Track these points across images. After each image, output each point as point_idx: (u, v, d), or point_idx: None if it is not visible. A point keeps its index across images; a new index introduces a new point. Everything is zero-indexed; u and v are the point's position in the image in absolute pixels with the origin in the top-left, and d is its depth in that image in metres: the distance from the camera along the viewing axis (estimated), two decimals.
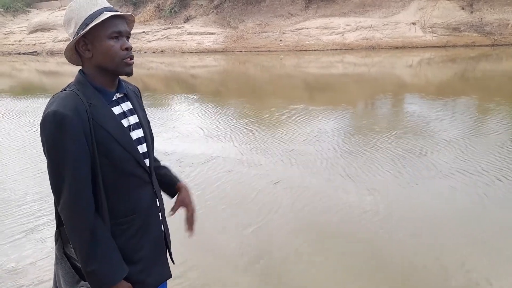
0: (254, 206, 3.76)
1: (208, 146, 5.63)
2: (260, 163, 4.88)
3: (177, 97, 10.01)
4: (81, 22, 1.23)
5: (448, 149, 5.03)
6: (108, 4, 1.28)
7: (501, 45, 17.35)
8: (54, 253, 1.42)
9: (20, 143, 6.12)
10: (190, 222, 1.59)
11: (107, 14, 1.22)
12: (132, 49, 1.32)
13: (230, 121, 7.02)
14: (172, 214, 1.58)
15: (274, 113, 7.51)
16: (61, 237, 1.40)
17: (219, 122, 6.98)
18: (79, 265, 1.32)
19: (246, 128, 6.49)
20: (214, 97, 9.75)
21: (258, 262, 2.86)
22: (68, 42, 1.27)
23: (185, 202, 1.59)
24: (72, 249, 1.37)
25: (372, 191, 3.95)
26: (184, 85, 12.92)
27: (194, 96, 10.03)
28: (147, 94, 10.19)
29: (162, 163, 1.65)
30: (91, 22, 1.21)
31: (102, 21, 1.21)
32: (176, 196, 1.61)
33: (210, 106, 8.51)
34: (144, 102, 1.52)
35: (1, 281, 2.72)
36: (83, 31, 1.22)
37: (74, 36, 1.25)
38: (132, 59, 1.31)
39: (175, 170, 4.37)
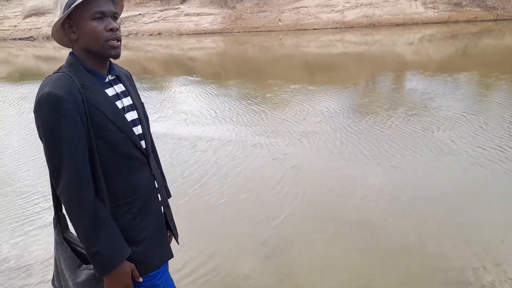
0: (276, 194, 3.73)
1: (220, 130, 5.58)
2: (277, 146, 4.86)
3: (179, 80, 9.92)
4: (65, 3, 1.21)
5: (462, 125, 5.01)
6: None
7: (504, 19, 17.07)
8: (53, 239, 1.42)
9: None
10: None
11: None
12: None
13: (237, 103, 6.98)
14: None
15: (278, 93, 7.46)
16: (59, 222, 1.40)
17: (227, 104, 6.95)
18: (80, 249, 1.34)
19: (255, 109, 6.45)
20: (217, 79, 9.67)
21: (278, 254, 2.87)
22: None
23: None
24: (72, 234, 1.39)
25: (397, 170, 3.95)
26: (184, 67, 12.79)
27: (196, 79, 9.95)
28: (146, 77, 10.11)
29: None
30: (73, 2, 1.18)
31: (85, 1, 1.18)
32: None
33: (214, 88, 8.45)
34: (145, 85, 1.50)
35: (11, 278, 2.74)
36: (66, 12, 1.19)
37: (60, 18, 1.22)
38: (119, 41, 1.27)
39: (189, 156, 4.28)
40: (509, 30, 15.19)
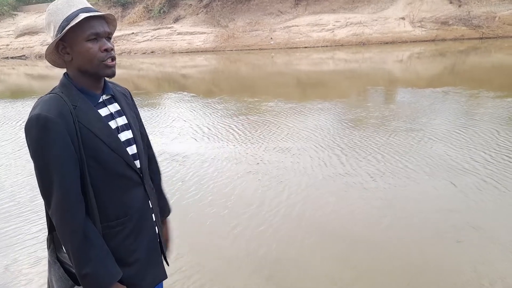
0: (267, 210, 3.74)
1: (210, 146, 5.61)
2: (266, 162, 4.87)
3: (171, 97, 9.95)
4: (58, 25, 1.21)
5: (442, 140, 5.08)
6: (86, 5, 1.25)
7: (489, 37, 17.54)
8: (46, 259, 1.41)
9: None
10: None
11: (82, 16, 1.18)
12: (121, 48, 1.29)
13: (229, 119, 7.00)
14: None
15: (270, 109, 7.51)
16: (53, 242, 1.39)
17: (218, 121, 6.97)
18: (73, 270, 1.31)
19: (247, 125, 6.48)
20: (209, 96, 9.71)
21: (272, 272, 2.85)
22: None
23: (164, 238, 1.62)
24: (65, 254, 1.36)
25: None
26: (176, 85, 12.85)
27: (188, 95, 9.99)
28: (139, 95, 10.12)
29: (161, 184, 1.63)
30: (67, 25, 1.19)
31: (78, 23, 1.18)
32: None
33: (205, 105, 8.49)
34: (138, 103, 1.51)
35: None
36: (60, 35, 1.20)
37: (54, 39, 1.23)
38: (114, 60, 1.27)
39: (176, 172, 4.27)
40: (495, 48, 15.59)
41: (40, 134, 1.14)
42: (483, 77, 10.17)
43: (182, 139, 6.03)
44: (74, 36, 1.21)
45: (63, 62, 1.29)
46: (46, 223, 1.39)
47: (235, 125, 6.58)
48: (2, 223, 3.65)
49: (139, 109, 1.53)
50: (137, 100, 9.07)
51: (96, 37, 1.23)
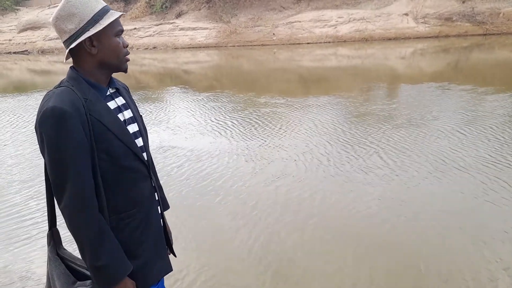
0: (272, 206, 3.75)
1: (213, 142, 5.60)
2: (271, 158, 4.87)
3: (173, 92, 9.95)
4: (88, 18, 1.22)
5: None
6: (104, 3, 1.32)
7: (493, 34, 17.41)
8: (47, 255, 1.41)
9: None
10: None
11: (117, 14, 1.27)
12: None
13: (231, 115, 7.00)
14: None
15: (272, 105, 7.50)
16: (53, 239, 1.39)
17: (221, 116, 6.96)
18: (74, 266, 1.34)
19: (249, 122, 6.47)
20: (211, 91, 9.69)
21: (278, 269, 2.85)
22: (58, 40, 1.28)
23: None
24: (65, 250, 1.40)
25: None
26: (178, 80, 12.84)
27: (190, 91, 9.98)
28: (141, 90, 10.12)
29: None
30: (100, 19, 1.23)
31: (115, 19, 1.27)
32: None
33: (207, 101, 8.48)
34: (140, 98, 1.53)
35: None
36: (93, 27, 1.22)
37: (77, 31, 1.22)
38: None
39: (181, 168, 4.26)
40: (499, 44, 15.49)
41: (57, 127, 1.14)
42: (487, 73, 10.11)
43: (188, 135, 6.03)
44: (105, 30, 1.26)
45: (68, 55, 1.30)
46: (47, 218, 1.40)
47: (238, 121, 6.57)
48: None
49: (141, 104, 1.54)
50: (139, 95, 9.10)
51: (121, 33, 1.33)
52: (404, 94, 8.18)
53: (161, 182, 1.61)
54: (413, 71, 11.54)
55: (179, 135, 5.95)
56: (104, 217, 1.23)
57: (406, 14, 19.30)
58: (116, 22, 1.28)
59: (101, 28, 1.23)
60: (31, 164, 5.05)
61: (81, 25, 1.23)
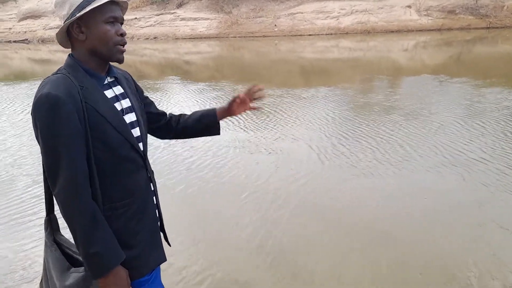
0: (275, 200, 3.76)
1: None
2: (273, 149, 4.87)
3: (174, 83, 9.92)
4: (77, 3, 1.22)
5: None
6: None
7: (496, 27, 17.30)
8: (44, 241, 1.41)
9: None
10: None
11: None
12: (126, 36, 1.31)
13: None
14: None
15: (274, 97, 7.49)
16: (51, 224, 1.39)
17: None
18: (70, 252, 1.34)
19: (250, 113, 6.46)
20: (212, 83, 9.67)
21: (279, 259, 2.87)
22: (59, 27, 1.25)
23: (244, 99, 1.66)
24: (62, 236, 1.39)
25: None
26: (180, 71, 12.80)
27: (191, 82, 9.96)
28: (142, 80, 10.10)
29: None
30: (88, 4, 1.21)
31: (100, 5, 1.21)
32: (230, 107, 1.66)
33: (208, 92, 8.46)
34: (145, 89, 1.50)
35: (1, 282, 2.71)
36: (79, 13, 1.20)
37: (68, 18, 1.23)
38: (124, 46, 1.31)
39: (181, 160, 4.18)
40: (502, 38, 15.39)
41: (51, 113, 1.14)
42: (489, 67, 10.07)
43: None
44: (93, 16, 1.22)
45: (68, 42, 1.29)
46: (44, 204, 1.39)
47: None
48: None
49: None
50: (142, 86, 9.08)
51: (114, 20, 1.26)
52: (405, 87, 8.16)
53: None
54: (415, 64, 11.49)
55: None
56: (98, 206, 1.23)
57: (409, 7, 19.17)
58: (106, 8, 1.23)
59: (84, 12, 1.20)
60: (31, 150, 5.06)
61: (71, 11, 1.22)
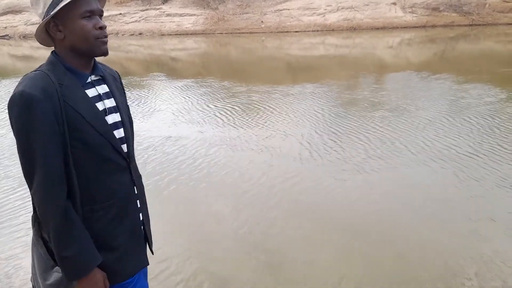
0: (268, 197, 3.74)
1: (204, 131, 5.57)
2: (262, 147, 4.86)
3: (160, 80, 9.82)
4: (50, 1, 1.17)
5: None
6: None
7: (479, 25, 17.61)
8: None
9: None
10: None
11: None
12: (107, 29, 1.27)
13: (219, 103, 6.95)
14: None
15: (259, 94, 7.47)
16: (37, 221, 1.35)
17: (208, 105, 6.91)
18: None
19: (237, 110, 6.44)
20: (198, 79, 9.60)
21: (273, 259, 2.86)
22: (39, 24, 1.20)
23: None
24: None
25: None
26: (165, 68, 12.67)
27: (177, 79, 9.86)
28: (127, 77, 9.96)
29: None
30: (60, 1, 1.15)
31: (73, 0, 1.15)
32: None
33: (195, 89, 8.40)
34: (127, 86, 1.46)
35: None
36: (53, 11, 1.15)
37: (44, 17, 1.19)
38: (106, 38, 1.26)
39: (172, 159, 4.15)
40: (484, 35, 15.68)
41: (24, 112, 1.11)
42: (472, 64, 10.25)
43: (178, 123, 5.98)
44: (68, 12, 1.17)
45: (50, 41, 1.25)
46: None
47: (227, 109, 6.54)
48: None
49: (129, 92, 1.48)
50: (127, 83, 8.96)
51: (91, 14, 1.20)
52: (389, 83, 8.25)
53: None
54: (400, 61, 11.63)
55: (156, 122, 5.91)
56: (76, 207, 1.20)
57: (394, 4, 19.34)
58: (80, 2, 1.17)
59: (57, 9, 1.15)
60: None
61: (45, 9, 1.19)
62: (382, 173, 3.90)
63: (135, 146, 1.56)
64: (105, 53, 1.26)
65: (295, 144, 4.80)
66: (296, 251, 2.77)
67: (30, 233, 1.40)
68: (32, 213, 1.36)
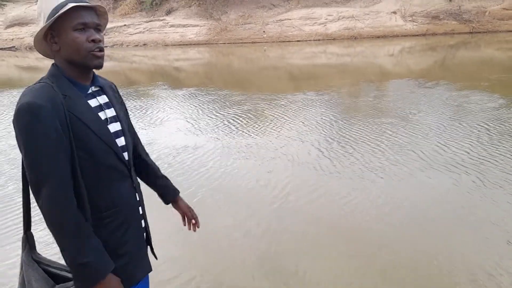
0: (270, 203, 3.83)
1: (205, 140, 5.67)
2: (264, 156, 4.95)
3: (164, 90, 9.97)
4: (48, 13, 1.22)
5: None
6: None
7: (479, 32, 17.76)
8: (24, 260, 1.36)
9: None
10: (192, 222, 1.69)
11: (70, 5, 1.18)
12: (102, 42, 1.27)
13: (223, 113, 7.07)
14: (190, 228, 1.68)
15: (264, 103, 7.59)
16: (28, 243, 1.36)
17: (212, 114, 7.03)
18: (52, 270, 1.32)
19: (241, 119, 6.56)
20: (202, 89, 9.75)
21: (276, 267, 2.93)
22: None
23: (187, 214, 1.68)
24: (39, 254, 1.37)
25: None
26: (169, 78, 12.84)
27: (181, 89, 10.02)
28: (131, 88, 10.13)
29: (162, 172, 1.66)
30: (56, 13, 1.19)
31: (67, 12, 1.18)
32: (176, 207, 1.68)
33: (198, 98, 8.54)
34: (130, 96, 1.52)
35: None
36: (47, 23, 1.20)
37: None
38: (102, 52, 1.27)
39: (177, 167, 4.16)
40: (484, 42, 15.80)
41: (32, 122, 1.12)
42: (473, 71, 10.35)
43: (186, 132, 6.08)
44: (62, 25, 1.20)
45: (51, 52, 1.29)
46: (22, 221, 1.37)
47: (233, 119, 6.66)
48: None
49: (132, 101, 1.56)
50: (130, 93, 9.10)
51: (84, 27, 1.22)
52: (391, 92, 8.35)
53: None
54: (401, 69, 11.74)
55: (161, 132, 6.02)
56: (86, 216, 1.21)
57: (394, 12, 19.56)
58: (73, 14, 1.19)
59: (51, 21, 1.18)
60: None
61: (44, 21, 1.22)
62: (386, 181, 3.93)
63: (151, 155, 1.65)
64: (98, 66, 1.27)
65: (312, 151, 4.84)
66: (297, 260, 2.83)
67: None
68: (22, 234, 1.36)
